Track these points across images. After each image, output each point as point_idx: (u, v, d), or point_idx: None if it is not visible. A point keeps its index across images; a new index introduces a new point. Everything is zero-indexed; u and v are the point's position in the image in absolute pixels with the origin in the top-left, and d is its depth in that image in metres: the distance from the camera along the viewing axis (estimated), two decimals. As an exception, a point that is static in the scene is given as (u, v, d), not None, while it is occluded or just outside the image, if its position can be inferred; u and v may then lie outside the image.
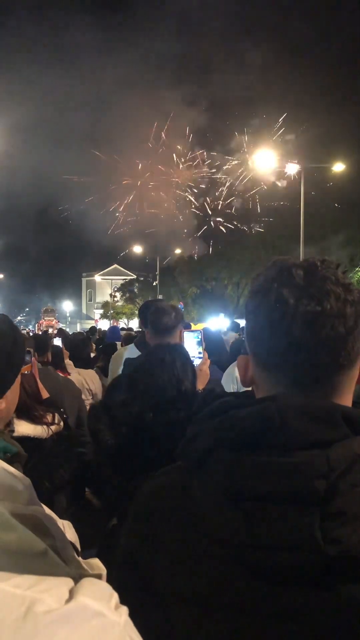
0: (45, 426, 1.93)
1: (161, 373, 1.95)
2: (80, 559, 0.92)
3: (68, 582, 0.48)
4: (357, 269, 23.66)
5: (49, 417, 1.97)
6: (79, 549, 0.97)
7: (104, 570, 0.89)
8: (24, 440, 1.82)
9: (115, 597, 0.48)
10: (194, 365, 2.12)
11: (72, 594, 0.46)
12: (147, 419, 1.90)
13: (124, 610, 0.48)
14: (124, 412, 1.94)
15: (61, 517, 2.18)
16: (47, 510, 0.92)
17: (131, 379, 2.08)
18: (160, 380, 1.93)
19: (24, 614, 0.41)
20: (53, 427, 1.95)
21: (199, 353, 2.24)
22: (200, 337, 2.27)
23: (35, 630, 0.40)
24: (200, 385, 2.13)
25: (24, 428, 1.85)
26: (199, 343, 2.26)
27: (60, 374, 3.44)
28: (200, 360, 2.24)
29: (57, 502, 2.18)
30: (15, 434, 1.80)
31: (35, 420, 1.89)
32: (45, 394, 2.17)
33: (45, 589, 0.45)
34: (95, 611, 0.45)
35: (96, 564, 0.90)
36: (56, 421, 2.02)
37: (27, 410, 1.89)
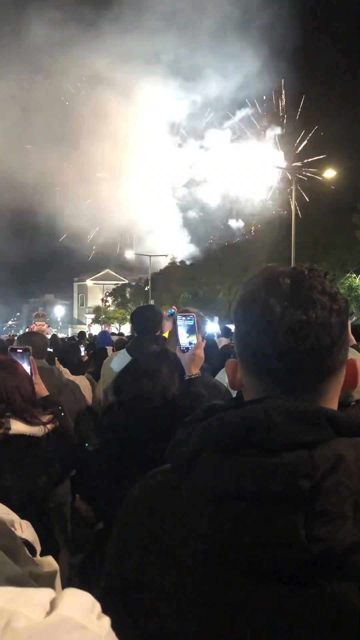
0: (41, 425, 1.97)
1: (146, 382, 1.95)
2: (38, 557, 0.92)
3: (49, 593, 0.47)
4: (348, 274, 23.78)
5: (45, 418, 2.00)
6: (37, 548, 0.98)
7: (56, 567, 0.90)
8: (20, 437, 1.89)
9: (97, 607, 0.48)
10: (181, 370, 2.10)
11: (53, 605, 0.45)
12: (133, 425, 1.90)
13: (106, 620, 0.47)
14: (111, 418, 1.95)
15: (58, 510, 2.20)
16: (2, 510, 0.92)
17: (117, 386, 2.08)
18: (145, 388, 1.93)
19: (2, 629, 0.40)
20: (49, 425, 1.99)
21: (190, 342, 2.11)
22: (193, 321, 2.13)
23: None
24: (195, 370, 2.09)
25: (19, 426, 1.90)
26: (192, 328, 2.12)
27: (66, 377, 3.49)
28: (193, 346, 2.12)
29: (54, 495, 2.21)
30: (11, 432, 1.86)
31: (29, 422, 1.94)
32: (44, 392, 2.22)
33: (25, 601, 0.44)
34: (76, 624, 0.44)
35: (48, 562, 0.90)
36: (51, 420, 2.04)
37: (22, 412, 1.94)
